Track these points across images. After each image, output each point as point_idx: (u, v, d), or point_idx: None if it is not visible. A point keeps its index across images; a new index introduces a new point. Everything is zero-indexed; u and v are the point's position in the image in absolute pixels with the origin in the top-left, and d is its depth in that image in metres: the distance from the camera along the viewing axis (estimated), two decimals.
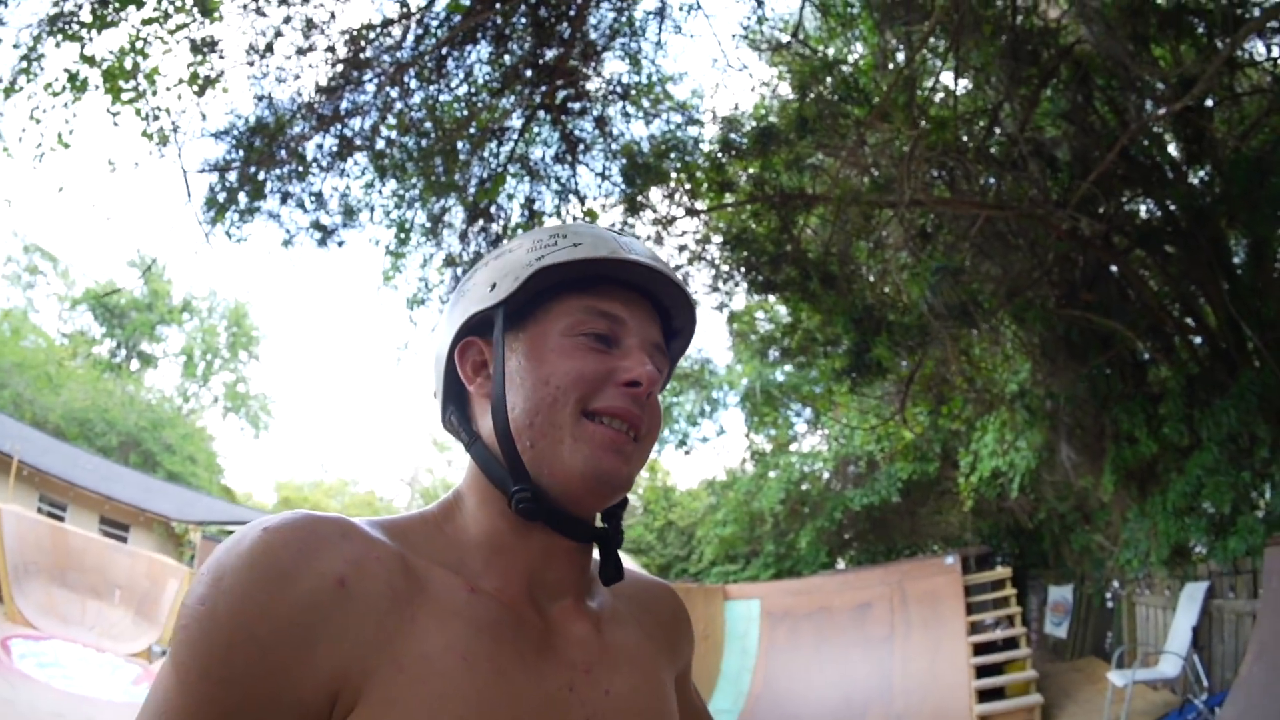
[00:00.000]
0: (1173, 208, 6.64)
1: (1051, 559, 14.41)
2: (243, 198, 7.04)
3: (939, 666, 10.19)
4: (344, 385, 75.32)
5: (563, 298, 0.82)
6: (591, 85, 8.12)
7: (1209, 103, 6.60)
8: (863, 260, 8.80)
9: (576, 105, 8.16)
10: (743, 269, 8.59)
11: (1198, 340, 7.03)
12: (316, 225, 7.61)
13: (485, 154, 8.20)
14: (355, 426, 73.63)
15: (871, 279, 8.65)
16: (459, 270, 8.60)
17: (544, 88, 7.78)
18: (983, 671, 9.78)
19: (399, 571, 0.72)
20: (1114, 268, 7.42)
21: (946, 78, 7.70)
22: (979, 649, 10.16)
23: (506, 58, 7.56)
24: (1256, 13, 5.63)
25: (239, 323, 37.48)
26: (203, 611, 0.64)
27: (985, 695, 9.33)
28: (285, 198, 7.28)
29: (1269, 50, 6.43)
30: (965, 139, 7.31)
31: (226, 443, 58.37)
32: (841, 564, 18.43)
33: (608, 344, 0.81)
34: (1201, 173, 6.92)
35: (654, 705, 0.85)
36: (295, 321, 71.15)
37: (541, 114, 8.16)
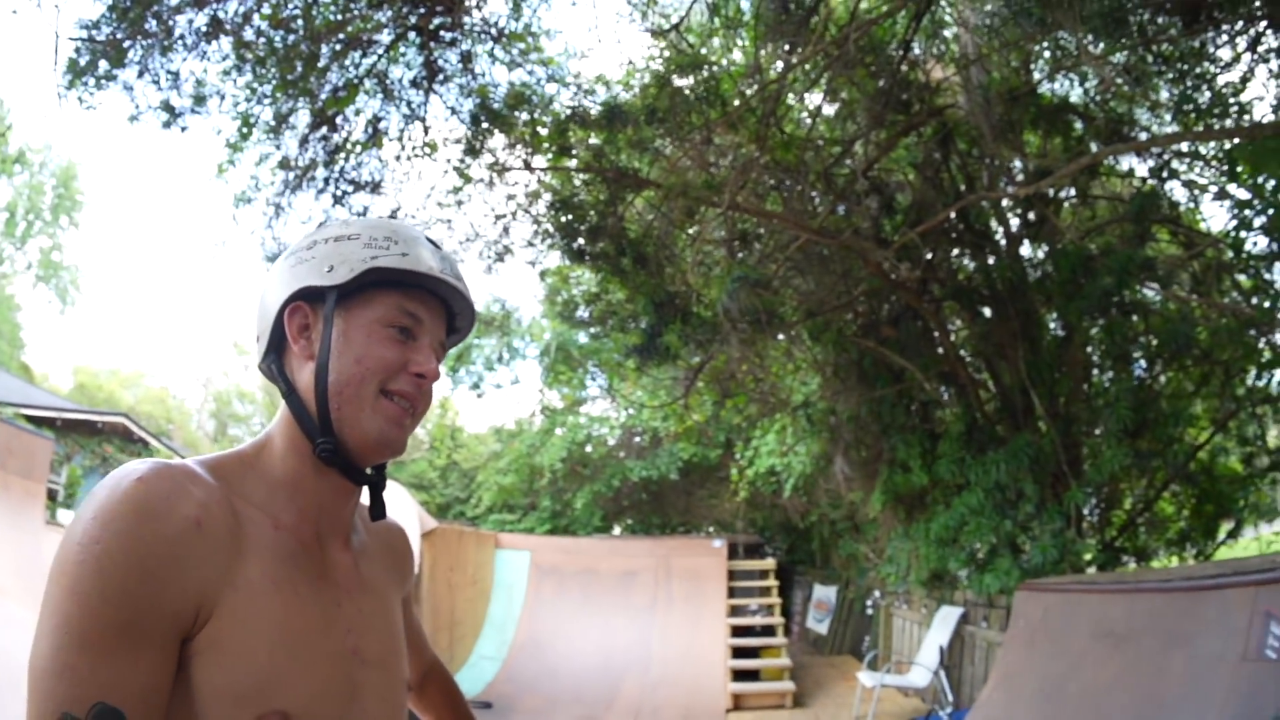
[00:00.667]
0: (993, 274, 7.20)
1: (819, 559, 15.32)
2: (103, 63, 6.38)
3: (698, 641, 10.61)
4: (154, 274, 68.97)
5: (381, 291, 1.02)
6: (468, 20, 7.87)
7: (1060, 194, 7.25)
8: (680, 249, 8.99)
9: (448, 35, 7.88)
10: (562, 233, 8.60)
11: (986, 396, 7.70)
12: (166, 105, 6.97)
13: (346, 63, 7.79)
14: (158, 318, 68.31)
15: (682, 269, 8.84)
16: (291, 175, 8.16)
17: (422, 10, 7.47)
18: (740, 652, 10.25)
19: (229, 512, 0.91)
20: (920, 313, 7.93)
21: (812, 100, 8.02)
22: (738, 631, 10.66)
23: None
24: (1139, 133, 6.29)
25: (67, 184, 33.19)
26: (98, 549, 0.80)
27: (740, 675, 9.76)
28: (143, 71, 6.63)
29: (1137, 169, 7.13)
30: (810, 161, 7.59)
31: (31, 314, 52.35)
32: (617, 530, 18.92)
33: (407, 336, 1.03)
34: (1032, 252, 7.56)
35: (391, 621, 1.12)
36: (119, 197, 64.08)
37: (412, 35, 7.83)
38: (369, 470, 1.06)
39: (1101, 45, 4.71)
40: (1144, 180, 6.97)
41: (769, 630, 10.88)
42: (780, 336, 8.75)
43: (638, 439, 18.27)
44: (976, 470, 6.87)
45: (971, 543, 6.95)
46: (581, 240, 8.45)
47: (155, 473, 0.86)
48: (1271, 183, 5.00)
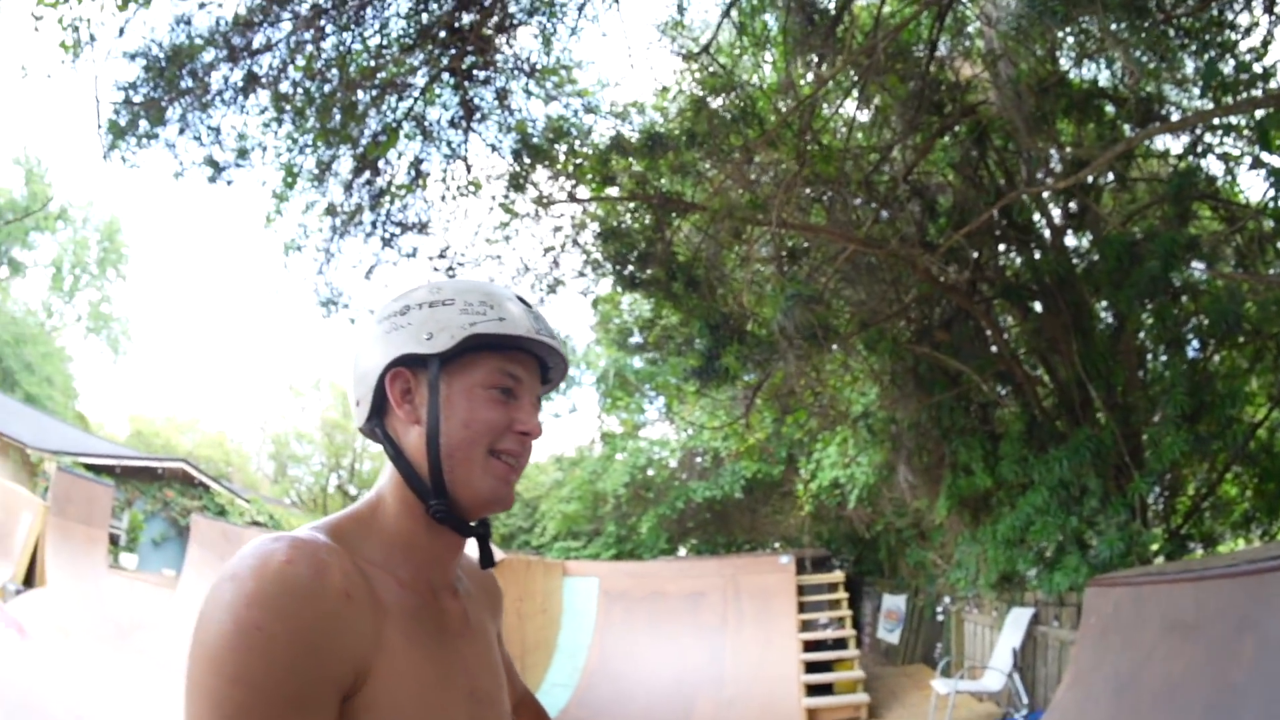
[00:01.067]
0: (1040, 269, 7.11)
1: (887, 569, 15.14)
2: (143, 123, 6.68)
3: (769, 658, 10.52)
4: (207, 321, 71.49)
5: (481, 354, 1.07)
6: (500, 57, 8.05)
7: (1100, 180, 7.15)
8: (730, 269, 9.00)
9: (482, 74, 8.05)
10: (612, 261, 8.66)
11: (1043, 392, 7.59)
12: (209, 160, 7.28)
13: (383, 108, 8.03)
14: (212, 364, 69.81)
15: (734, 289, 8.85)
16: (338, 220, 8.44)
17: (454, 51, 7.66)
18: (812, 667, 10.17)
19: (363, 577, 0.97)
20: (971, 314, 7.87)
21: (846, 108, 8.01)
22: (809, 646, 10.56)
23: (424, 16, 7.42)
24: (1170, 110, 6.19)
25: (111, 237, 34.69)
26: (262, 635, 0.83)
27: (814, 690, 9.70)
28: (184, 128, 6.94)
29: (1172, 147, 7.03)
30: (850, 171, 7.60)
31: (83, 365, 54.26)
32: (682, 551, 18.88)
33: (509, 396, 1.08)
34: (1078, 242, 7.46)
35: (495, 659, 1.20)
36: (168, 248, 66.44)
37: (446, 76, 8.04)
38: (474, 524, 1.11)
39: (1124, 26, 4.66)
40: (1179, 158, 6.85)
41: (840, 643, 10.77)
42: (835, 349, 8.70)
43: (699, 460, 18.26)
44: (1039, 469, 6.79)
45: (1039, 542, 6.87)
46: (631, 267, 8.56)
47: (298, 551, 0.90)
48: None
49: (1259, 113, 5.06)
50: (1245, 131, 6.11)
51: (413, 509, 1.06)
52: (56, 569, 12.60)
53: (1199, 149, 6.50)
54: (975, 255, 7.59)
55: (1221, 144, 6.51)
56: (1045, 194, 7.23)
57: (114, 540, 16.70)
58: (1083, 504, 6.41)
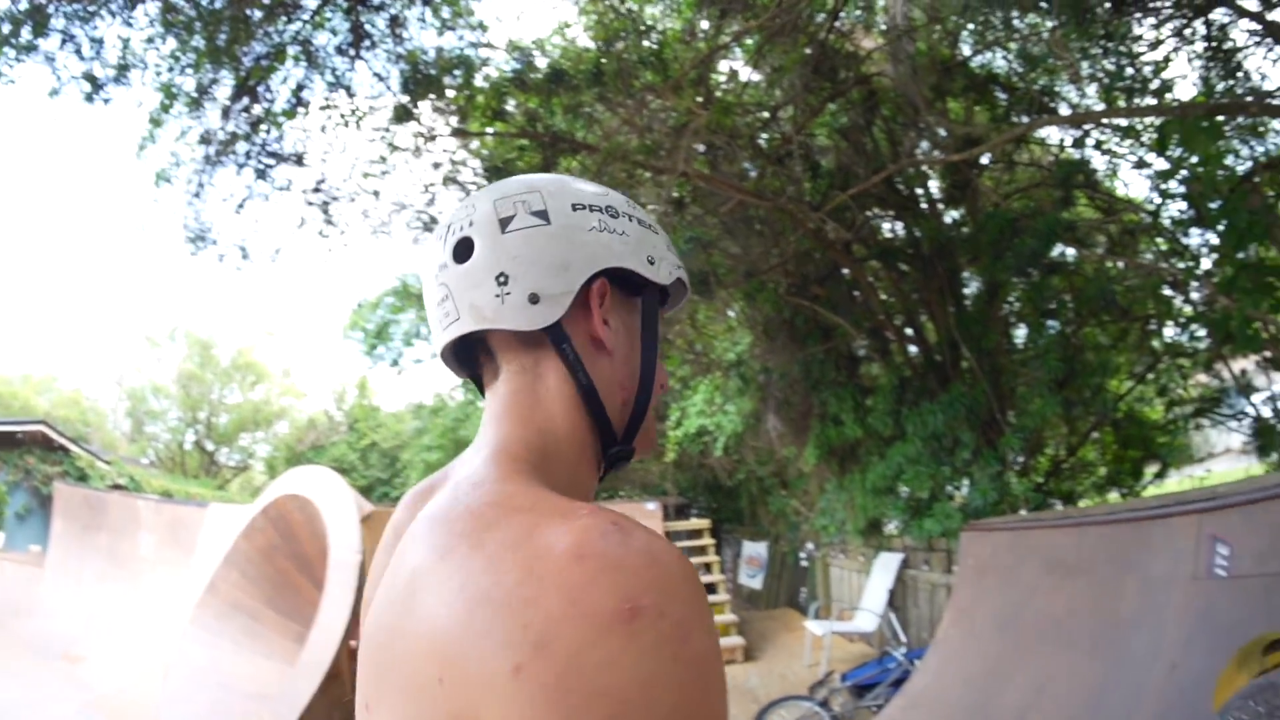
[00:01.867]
0: (918, 234, 7.52)
1: (748, 517, 15.68)
2: (25, 32, 6.11)
3: None
4: (61, 269, 64.40)
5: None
6: None
7: (984, 159, 7.59)
8: None
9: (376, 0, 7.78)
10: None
11: (913, 350, 8.07)
12: (89, 76, 6.72)
13: (271, 29, 7.63)
14: (67, 315, 63.71)
15: None
16: (212, 149, 7.99)
17: None
18: None
19: None
20: (847, 271, 8.22)
21: (742, 66, 8.17)
22: None
23: None
24: (1059, 105, 6.66)
25: None
26: (700, 649, 0.55)
27: None
28: (66, 39, 6.38)
29: (1059, 137, 7.54)
30: (741, 127, 7.70)
31: None
32: None
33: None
34: (955, 215, 7.92)
35: None
36: (13, 194, 59.72)
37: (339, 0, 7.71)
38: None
39: (1027, 22, 5.01)
40: (1062, 148, 7.44)
41: (708, 589, 10.97)
42: (718, 298, 8.90)
43: None
44: (914, 420, 7.12)
45: (909, 490, 7.25)
46: None
47: (666, 547, 0.59)
48: (1194, 158, 5.43)
49: (1153, 120, 5.57)
50: (1133, 134, 6.71)
51: (587, 449, 0.85)
52: None
53: (1085, 142, 7.06)
54: (855, 218, 7.89)
55: (1108, 141, 7.11)
56: (928, 167, 7.63)
57: None
58: (955, 455, 6.81)
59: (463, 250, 0.83)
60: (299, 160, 8.35)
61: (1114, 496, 7.35)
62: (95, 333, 64.86)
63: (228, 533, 10.12)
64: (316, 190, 8.69)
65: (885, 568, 8.21)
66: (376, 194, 9.07)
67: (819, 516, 9.57)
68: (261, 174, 8.23)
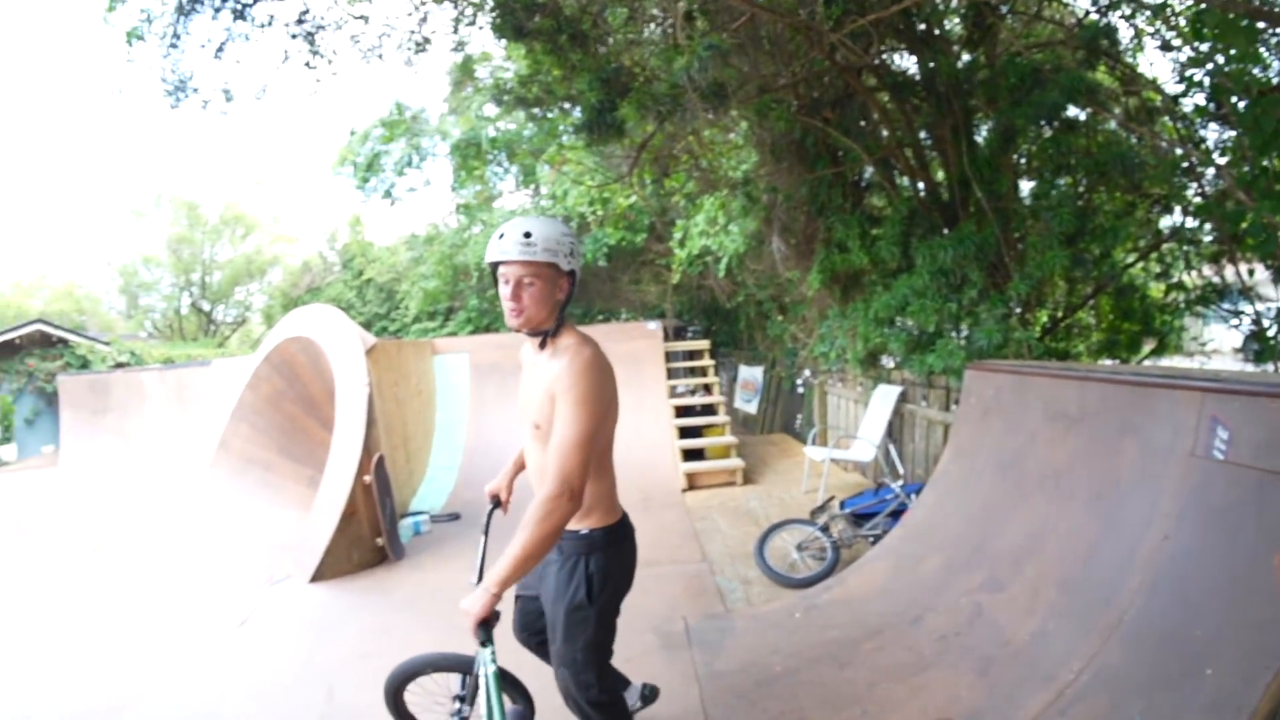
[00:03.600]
0: (941, 72, 7.18)
1: (745, 341, 15.90)
2: None
3: (644, 423, 10.79)
4: (37, 163, 60.97)
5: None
6: None
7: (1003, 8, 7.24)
8: (616, 27, 8.68)
9: None
10: (501, 7, 8.14)
11: (920, 186, 7.95)
12: None
13: None
14: (49, 210, 60.56)
15: (614, 49, 8.54)
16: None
17: None
18: (685, 433, 10.61)
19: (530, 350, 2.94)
20: (861, 98, 7.91)
21: None
22: (680, 412, 11.00)
23: None
24: None
25: None
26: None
27: (689, 455, 10.14)
28: None
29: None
30: None
31: None
32: None
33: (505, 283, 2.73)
34: (973, 57, 7.56)
35: (535, 389, 2.78)
36: None
37: None
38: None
39: None
40: (1086, 13, 7.09)
41: (709, 410, 11.25)
42: (732, 113, 8.67)
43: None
44: (924, 252, 7.04)
45: (915, 322, 7.23)
46: (518, 16, 8.01)
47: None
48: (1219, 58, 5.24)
49: (1190, 5, 5.27)
50: (1165, 12, 6.37)
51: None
52: None
53: (1110, 11, 6.71)
54: (871, 45, 7.57)
55: (1134, 15, 6.76)
56: (944, 4, 7.28)
57: None
58: (962, 293, 6.79)
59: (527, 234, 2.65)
60: None
61: (1108, 365, 7.50)
62: (79, 219, 63.16)
63: (233, 387, 10.14)
64: (300, 22, 8.31)
65: (884, 399, 8.35)
66: (365, 19, 8.71)
67: (818, 343, 9.66)
68: (240, 14, 7.85)
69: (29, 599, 7.61)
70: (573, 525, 2.75)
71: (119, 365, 18.00)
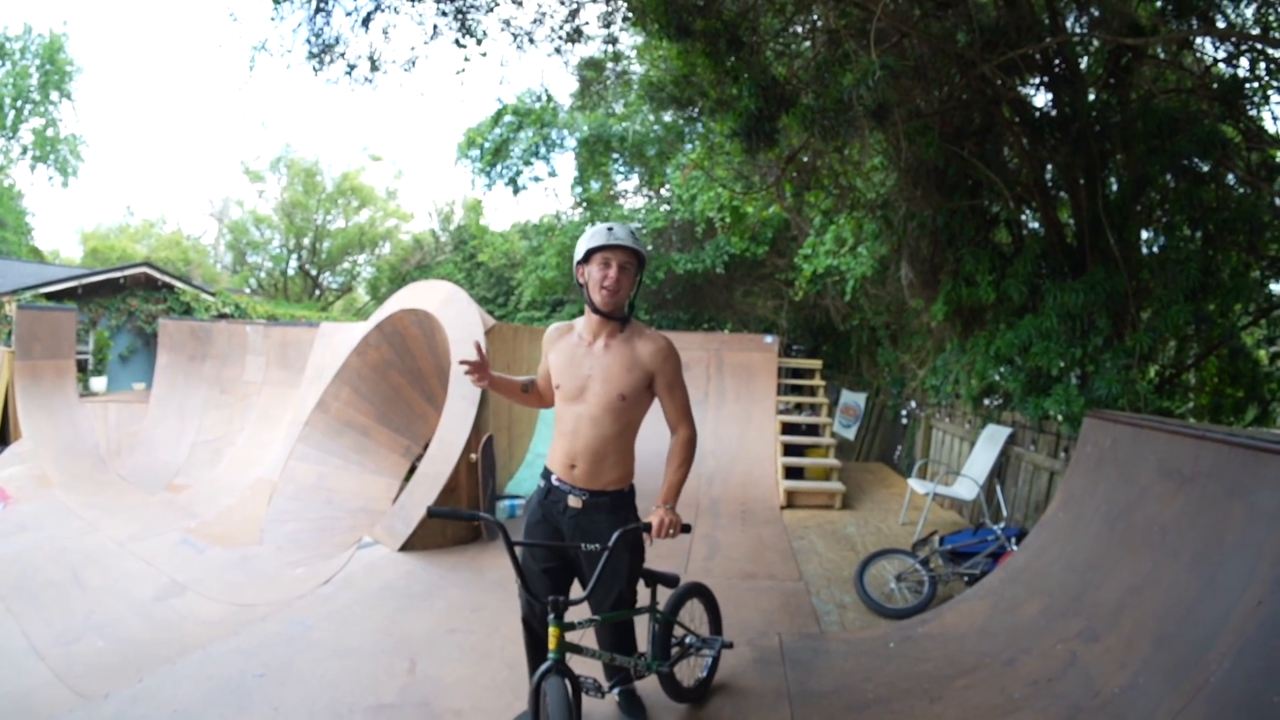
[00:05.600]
0: (1082, 112, 7.07)
1: (850, 366, 15.75)
2: None
3: (749, 436, 10.87)
4: (160, 117, 66.85)
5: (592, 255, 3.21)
6: None
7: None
8: (769, 38, 8.72)
9: None
10: (666, 6, 8.22)
11: (1045, 226, 7.81)
12: None
13: None
14: (165, 161, 65.89)
15: (766, 59, 8.62)
16: None
17: None
18: (789, 450, 10.58)
19: (570, 331, 3.43)
20: (1003, 131, 7.86)
21: None
22: (786, 428, 11.00)
23: None
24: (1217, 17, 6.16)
25: (52, 58, 31.92)
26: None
27: (790, 473, 10.11)
28: None
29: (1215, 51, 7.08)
30: None
31: (34, 198, 51.07)
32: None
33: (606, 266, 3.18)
34: (1106, 100, 7.45)
35: (610, 369, 3.34)
36: (117, 53, 61.56)
37: None
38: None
39: None
40: (1215, 61, 6.91)
41: (814, 429, 11.20)
42: (886, 135, 8.67)
43: (674, 236, 18.19)
44: (1055, 293, 6.92)
45: (1035, 364, 7.09)
46: (684, 16, 8.02)
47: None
48: None
49: None
50: None
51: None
52: (28, 417, 12.67)
53: (1237, 61, 6.56)
54: (1015, 79, 7.50)
55: (1259, 66, 6.61)
56: (1081, 45, 7.19)
57: (81, 367, 16.57)
58: (1089, 339, 6.68)
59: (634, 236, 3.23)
60: None
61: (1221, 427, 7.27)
62: (196, 174, 67.62)
63: (339, 351, 10.34)
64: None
65: (992, 439, 8.23)
66: (520, 3, 8.92)
67: (930, 375, 9.56)
68: None
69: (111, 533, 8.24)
70: (617, 485, 3.33)
71: (221, 316, 18.85)
